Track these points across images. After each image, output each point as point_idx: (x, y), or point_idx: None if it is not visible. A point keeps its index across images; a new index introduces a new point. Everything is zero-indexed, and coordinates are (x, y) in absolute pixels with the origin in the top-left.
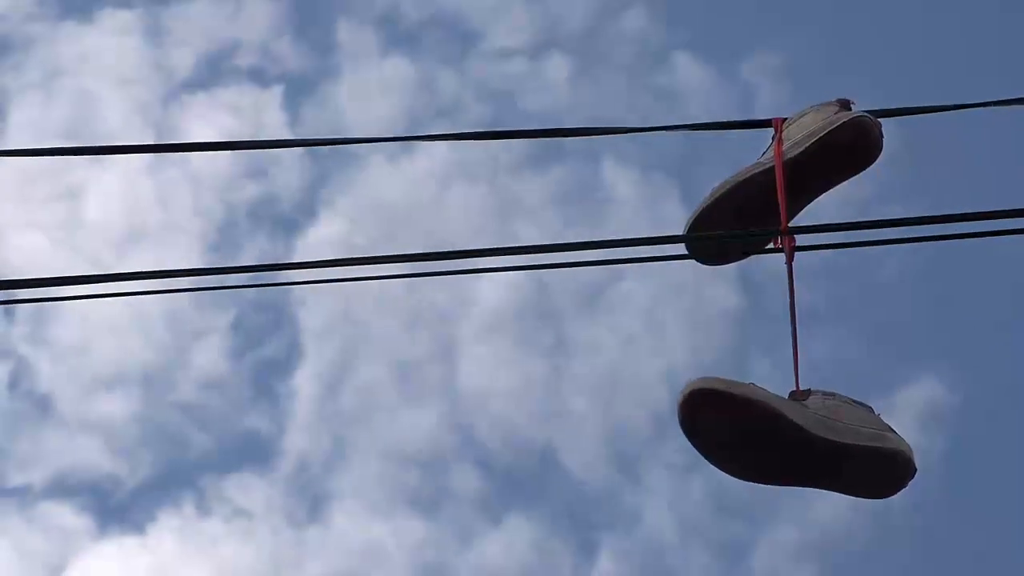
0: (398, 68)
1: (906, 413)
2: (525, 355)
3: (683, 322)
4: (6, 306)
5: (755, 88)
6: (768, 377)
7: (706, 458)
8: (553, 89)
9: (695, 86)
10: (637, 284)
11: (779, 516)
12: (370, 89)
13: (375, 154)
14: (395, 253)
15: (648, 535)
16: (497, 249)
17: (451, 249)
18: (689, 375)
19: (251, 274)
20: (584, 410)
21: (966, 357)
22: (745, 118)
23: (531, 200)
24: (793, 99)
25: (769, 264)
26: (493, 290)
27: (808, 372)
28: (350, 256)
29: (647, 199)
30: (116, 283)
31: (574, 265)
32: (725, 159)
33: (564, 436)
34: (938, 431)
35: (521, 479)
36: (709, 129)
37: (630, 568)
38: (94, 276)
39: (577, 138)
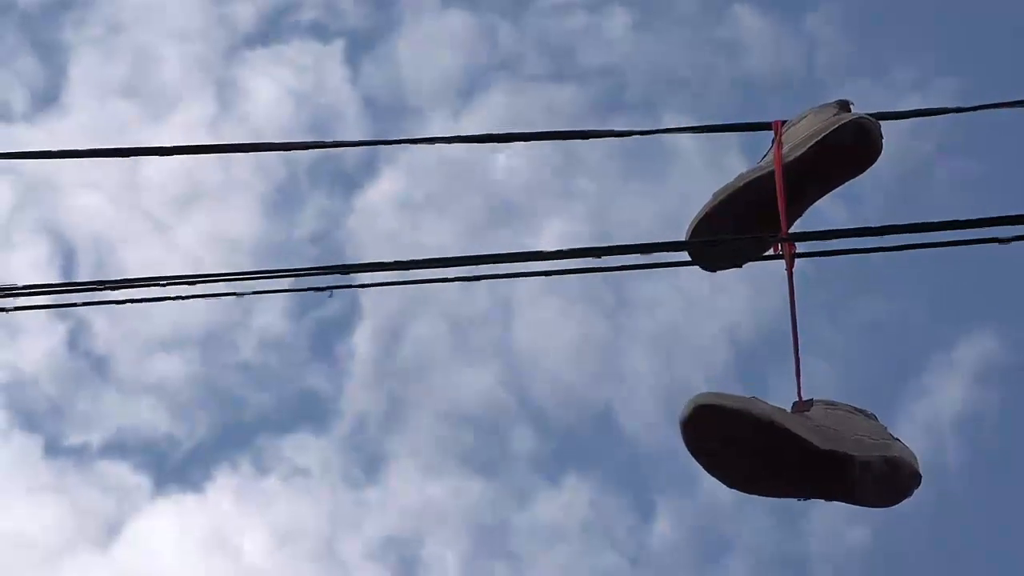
0: (458, 22)
1: (961, 370)
2: (583, 314)
3: (742, 281)
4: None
5: (817, 41)
6: (826, 339)
7: (711, 473)
8: (614, 43)
9: (757, 38)
10: None
11: None
12: (430, 43)
13: (435, 110)
14: (438, 256)
15: (705, 497)
16: (509, 255)
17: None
18: (748, 335)
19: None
20: (642, 370)
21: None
22: (804, 76)
23: (591, 154)
24: (855, 53)
25: (831, 225)
26: (550, 247)
27: (864, 331)
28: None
29: (707, 151)
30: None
31: (585, 271)
32: (784, 108)
33: (622, 396)
34: (993, 388)
35: (578, 439)
36: (709, 132)
37: (687, 529)
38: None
39: (638, 90)
